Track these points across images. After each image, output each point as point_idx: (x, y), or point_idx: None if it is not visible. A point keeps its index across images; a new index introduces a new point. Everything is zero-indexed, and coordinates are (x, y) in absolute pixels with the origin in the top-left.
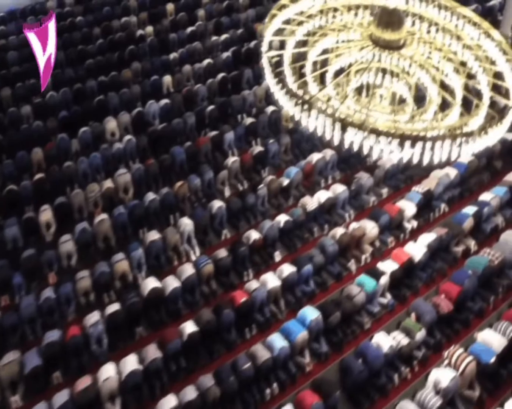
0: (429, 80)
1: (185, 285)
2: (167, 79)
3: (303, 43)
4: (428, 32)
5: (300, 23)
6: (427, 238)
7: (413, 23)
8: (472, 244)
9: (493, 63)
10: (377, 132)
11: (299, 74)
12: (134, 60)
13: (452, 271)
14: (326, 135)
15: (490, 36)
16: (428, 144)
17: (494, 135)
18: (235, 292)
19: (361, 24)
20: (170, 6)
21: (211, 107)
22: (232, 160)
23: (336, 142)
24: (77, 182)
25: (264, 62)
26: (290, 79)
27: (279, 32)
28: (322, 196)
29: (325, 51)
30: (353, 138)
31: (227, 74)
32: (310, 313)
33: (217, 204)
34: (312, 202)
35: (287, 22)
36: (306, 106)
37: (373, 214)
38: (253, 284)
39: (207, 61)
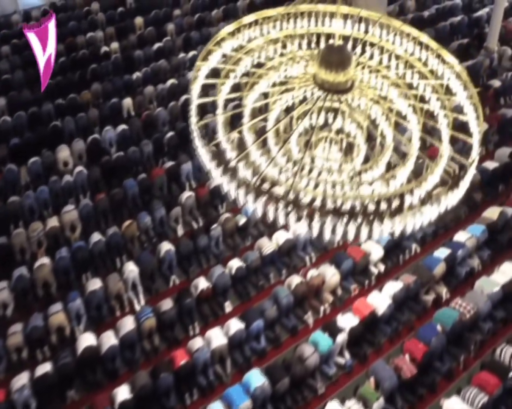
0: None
1: (124, 341)
2: (127, 102)
3: (238, 87)
4: (381, 64)
5: (237, 62)
6: (393, 287)
7: (363, 52)
8: (443, 291)
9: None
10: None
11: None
12: (96, 79)
13: (421, 322)
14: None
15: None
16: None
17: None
18: (176, 352)
19: (305, 58)
20: (138, 20)
21: (170, 134)
22: (187, 195)
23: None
24: (22, 219)
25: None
26: (221, 132)
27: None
28: (280, 237)
29: (263, 95)
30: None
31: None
32: (255, 379)
33: (165, 247)
34: (269, 244)
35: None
36: (228, 173)
37: (335, 258)
38: (196, 343)
39: (171, 81)
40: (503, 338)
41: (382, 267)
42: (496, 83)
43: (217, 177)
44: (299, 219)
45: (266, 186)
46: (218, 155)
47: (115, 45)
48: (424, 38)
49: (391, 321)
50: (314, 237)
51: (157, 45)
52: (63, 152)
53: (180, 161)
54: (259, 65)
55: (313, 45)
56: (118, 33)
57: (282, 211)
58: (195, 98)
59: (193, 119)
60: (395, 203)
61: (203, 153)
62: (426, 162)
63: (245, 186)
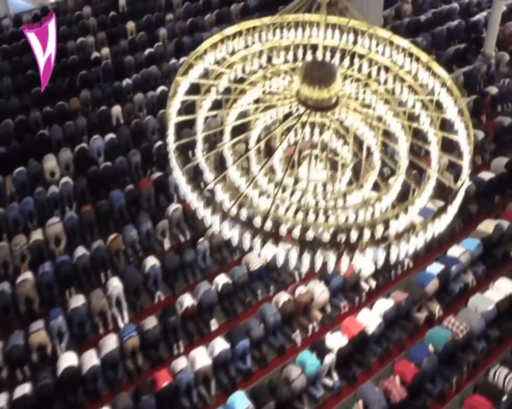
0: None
1: (106, 361)
2: (116, 109)
3: (218, 105)
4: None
5: (219, 76)
6: (383, 305)
7: (352, 64)
8: (436, 309)
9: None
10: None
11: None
12: (86, 86)
13: (412, 341)
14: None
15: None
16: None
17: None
18: (158, 373)
19: (289, 72)
20: (130, 25)
21: (159, 143)
22: (174, 208)
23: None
24: (6, 231)
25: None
26: (200, 152)
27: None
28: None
29: (243, 115)
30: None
31: (182, 103)
32: (240, 402)
33: (150, 262)
34: (257, 259)
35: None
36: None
37: (324, 274)
38: (179, 363)
39: (161, 88)
40: (497, 358)
41: (373, 283)
42: (493, 90)
43: (193, 201)
44: (275, 249)
45: (243, 211)
46: (195, 179)
47: (105, 50)
48: (414, 49)
49: (382, 340)
50: (291, 267)
51: (148, 51)
52: (50, 162)
53: (168, 172)
54: (242, 80)
55: (299, 57)
56: (109, 38)
57: (258, 240)
58: (173, 116)
59: (171, 138)
60: (379, 231)
61: (179, 176)
62: (412, 186)
63: (221, 212)
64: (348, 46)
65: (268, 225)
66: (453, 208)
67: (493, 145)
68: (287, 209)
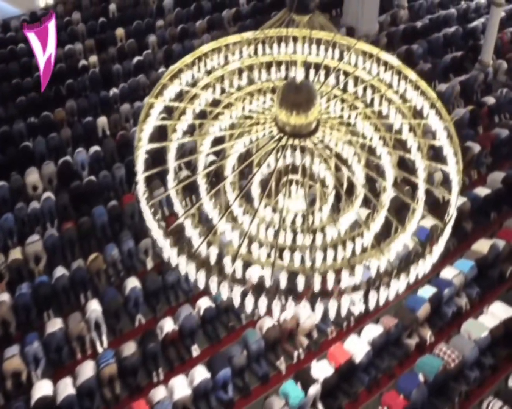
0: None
1: (82, 390)
2: (102, 120)
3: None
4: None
5: (194, 98)
6: (372, 332)
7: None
8: (428, 334)
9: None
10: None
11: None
12: (72, 95)
13: (402, 369)
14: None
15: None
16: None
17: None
18: (134, 403)
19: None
20: (120, 31)
21: (145, 156)
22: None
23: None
24: None
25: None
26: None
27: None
28: (254, 272)
29: (218, 141)
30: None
31: (169, 115)
32: None
33: (131, 284)
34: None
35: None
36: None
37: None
38: (158, 393)
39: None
40: (491, 387)
41: (362, 306)
42: (490, 100)
43: (158, 238)
44: (244, 295)
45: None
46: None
47: (93, 58)
48: (404, 68)
49: (370, 369)
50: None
51: (136, 59)
52: (32, 176)
53: (152, 187)
54: (220, 101)
55: (281, 74)
56: (98, 45)
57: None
58: (144, 142)
59: (140, 168)
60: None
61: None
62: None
63: (186, 254)
64: (332, 63)
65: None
66: (439, 247)
67: (489, 158)
68: (261, 244)
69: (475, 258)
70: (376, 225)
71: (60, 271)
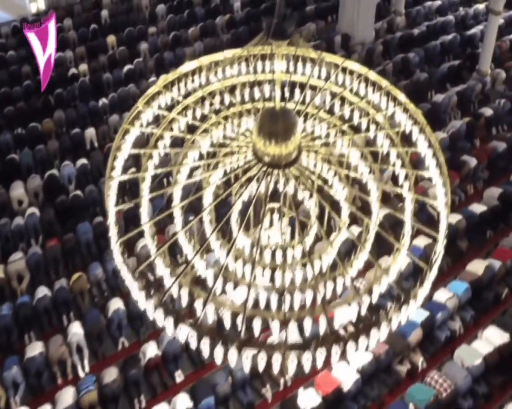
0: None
1: None
2: (90, 132)
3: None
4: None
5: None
6: (361, 359)
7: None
8: (419, 361)
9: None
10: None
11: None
12: (61, 105)
13: (392, 397)
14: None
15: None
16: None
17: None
18: None
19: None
20: (111, 38)
21: (132, 170)
22: (142, 244)
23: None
24: None
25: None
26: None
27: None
28: (240, 293)
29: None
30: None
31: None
32: None
33: (114, 306)
34: (229, 302)
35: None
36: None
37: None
38: None
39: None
40: None
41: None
42: (487, 111)
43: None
44: (213, 347)
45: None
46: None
47: (83, 66)
48: (393, 90)
49: (358, 397)
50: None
51: (127, 67)
52: (18, 190)
53: (138, 203)
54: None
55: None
56: (88, 53)
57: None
58: (117, 173)
59: (111, 203)
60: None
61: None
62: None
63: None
64: (318, 83)
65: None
66: (424, 290)
67: (486, 172)
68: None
69: (470, 280)
70: (360, 262)
71: (42, 291)
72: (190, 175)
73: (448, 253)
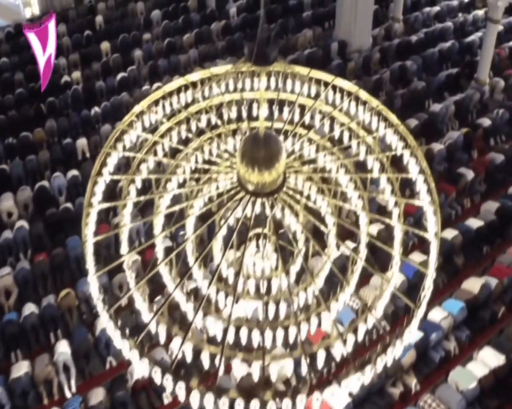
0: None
1: None
2: (82, 142)
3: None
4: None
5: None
6: (352, 383)
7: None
8: (413, 383)
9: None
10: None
11: None
12: (53, 114)
13: None
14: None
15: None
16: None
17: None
18: None
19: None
20: (105, 45)
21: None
22: (132, 259)
23: None
24: None
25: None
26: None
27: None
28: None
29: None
30: None
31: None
32: None
33: (102, 324)
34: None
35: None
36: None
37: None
38: None
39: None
40: None
41: (344, 352)
42: (486, 122)
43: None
44: (188, 393)
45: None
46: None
47: (77, 74)
48: (384, 110)
49: None
50: None
51: (120, 75)
52: (7, 202)
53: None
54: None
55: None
56: (82, 60)
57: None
58: (96, 201)
59: (88, 235)
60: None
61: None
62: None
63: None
64: (307, 102)
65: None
66: (412, 329)
67: (484, 185)
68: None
69: (466, 298)
70: (340, 303)
71: (29, 308)
72: (173, 199)
73: (443, 270)
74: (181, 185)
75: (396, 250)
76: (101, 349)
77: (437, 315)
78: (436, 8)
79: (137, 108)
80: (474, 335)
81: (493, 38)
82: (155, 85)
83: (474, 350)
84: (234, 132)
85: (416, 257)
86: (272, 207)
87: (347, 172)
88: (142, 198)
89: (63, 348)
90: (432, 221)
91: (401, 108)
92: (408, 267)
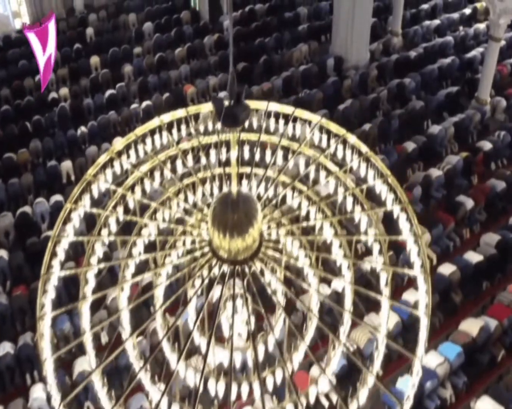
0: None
1: None
2: (66, 165)
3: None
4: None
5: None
6: None
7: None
8: None
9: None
10: None
11: None
12: (39, 133)
13: None
14: None
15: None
16: None
17: None
18: None
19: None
20: (94, 59)
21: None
22: (113, 295)
23: None
24: None
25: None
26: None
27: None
28: (218, 354)
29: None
30: None
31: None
32: None
33: (79, 367)
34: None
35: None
36: None
37: (277, 391)
38: None
39: (117, 139)
40: None
41: (334, 398)
42: (486, 145)
43: None
44: None
45: None
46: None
47: (64, 90)
48: (373, 157)
49: None
50: None
51: (109, 92)
52: None
53: (112, 248)
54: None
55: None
56: (71, 75)
57: None
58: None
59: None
60: None
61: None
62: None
63: None
64: (292, 145)
65: None
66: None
67: (484, 214)
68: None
69: (463, 342)
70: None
71: (4, 348)
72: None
73: (440, 308)
74: (148, 248)
75: (383, 334)
76: (79, 394)
77: (433, 360)
78: (436, 22)
79: (106, 156)
80: (471, 382)
81: (495, 56)
82: (144, 103)
83: (472, 399)
84: (204, 182)
85: (410, 295)
86: (244, 276)
87: (331, 226)
88: (103, 265)
89: (37, 393)
90: (423, 297)
91: (398, 129)
92: (402, 308)
